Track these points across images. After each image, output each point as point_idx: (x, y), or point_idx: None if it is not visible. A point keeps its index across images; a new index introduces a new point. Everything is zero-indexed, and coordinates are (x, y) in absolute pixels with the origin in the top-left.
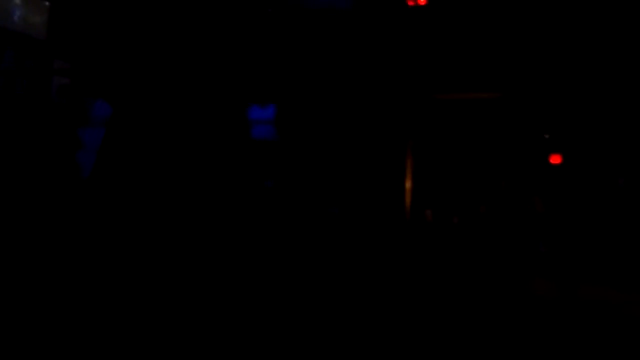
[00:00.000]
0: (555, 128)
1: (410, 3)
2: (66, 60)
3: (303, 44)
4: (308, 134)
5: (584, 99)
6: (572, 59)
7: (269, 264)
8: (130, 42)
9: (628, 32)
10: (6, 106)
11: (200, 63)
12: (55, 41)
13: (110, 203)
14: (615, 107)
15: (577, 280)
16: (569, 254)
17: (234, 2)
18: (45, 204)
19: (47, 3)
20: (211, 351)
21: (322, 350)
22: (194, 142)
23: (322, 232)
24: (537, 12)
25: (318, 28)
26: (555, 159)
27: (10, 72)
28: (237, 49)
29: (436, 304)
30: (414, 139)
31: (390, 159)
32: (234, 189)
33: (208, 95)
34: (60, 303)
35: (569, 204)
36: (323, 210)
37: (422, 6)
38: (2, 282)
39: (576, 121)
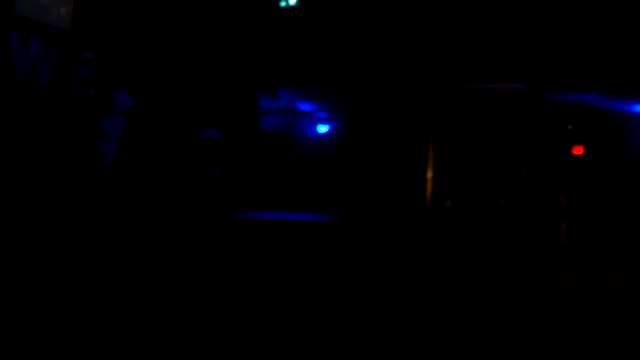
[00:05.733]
0: (579, 119)
1: None
2: (90, 51)
3: (321, 34)
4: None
5: (604, 90)
6: (596, 50)
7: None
8: (152, 34)
9: None
10: (31, 96)
11: (218, 55)
12: (80, 32)
13: (131, 191)
14: (632, 97)
15: (606, 272)
16: (597, 245)
17: None
18: (69, 191)
19: None
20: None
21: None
22: (209, 132)
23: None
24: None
25: (334, 18)
26: (578, 150)
27: (35, 63)
28: (251, 41)
29: (453, 293)
30: (436, 130)
31: (412, 150)
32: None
33: (224, 85)
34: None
35: (591, 195)
36: (340, 202)
37: None
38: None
39: (598, 113)
